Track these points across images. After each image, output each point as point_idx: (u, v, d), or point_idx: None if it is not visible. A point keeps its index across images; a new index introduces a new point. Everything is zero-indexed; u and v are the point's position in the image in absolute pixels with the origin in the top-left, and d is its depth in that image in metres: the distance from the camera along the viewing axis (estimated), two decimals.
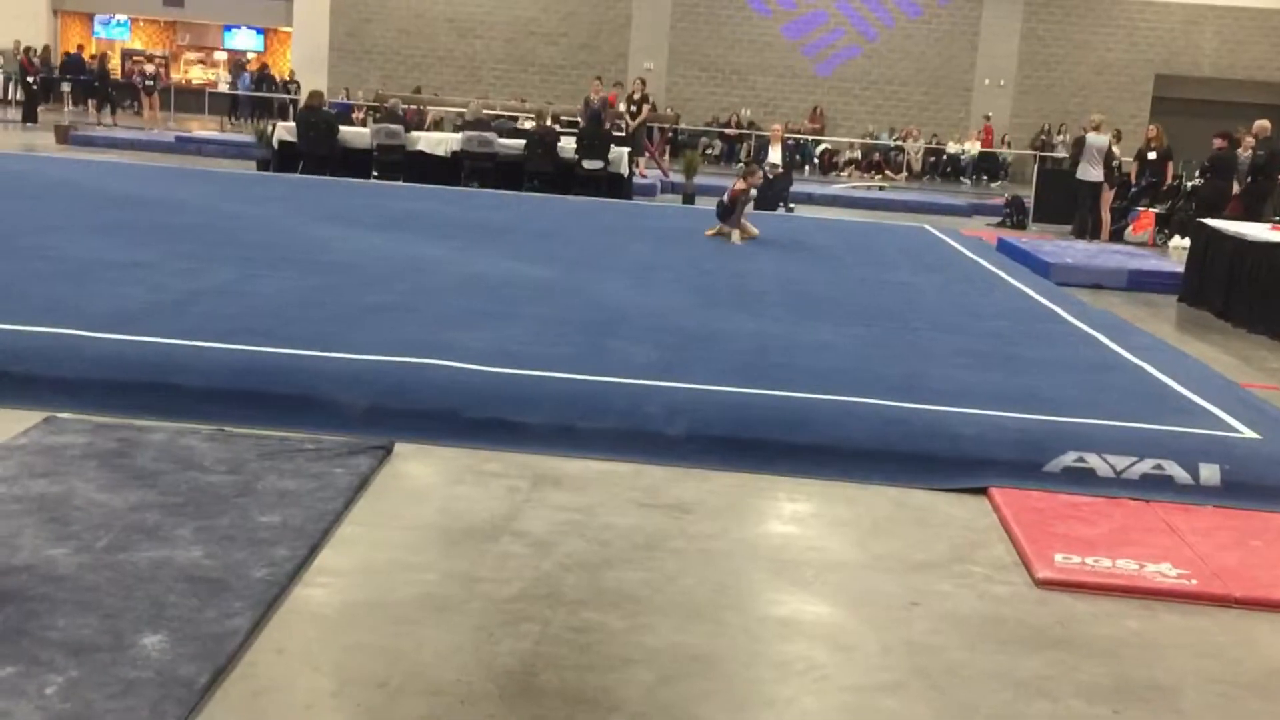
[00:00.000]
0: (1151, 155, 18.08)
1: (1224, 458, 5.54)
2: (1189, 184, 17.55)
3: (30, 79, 26.75)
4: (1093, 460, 5.45)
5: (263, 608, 3.60)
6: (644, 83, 21.93)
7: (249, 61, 34.06)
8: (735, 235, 12.74)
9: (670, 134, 26.83)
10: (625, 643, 3.66)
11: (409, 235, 11.20)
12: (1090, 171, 16.85)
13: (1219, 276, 11.15)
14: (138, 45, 34.72)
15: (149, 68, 28.64)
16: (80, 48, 31.35)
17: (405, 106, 20.58)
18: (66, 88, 28.91)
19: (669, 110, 29.16)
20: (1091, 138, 16.85)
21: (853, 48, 30.44)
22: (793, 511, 5.00)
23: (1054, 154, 27.92)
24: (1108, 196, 17.15)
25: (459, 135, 17.96)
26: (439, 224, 12.35)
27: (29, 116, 25.67)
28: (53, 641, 3.27)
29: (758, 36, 30.66)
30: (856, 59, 30.46)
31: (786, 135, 21.38)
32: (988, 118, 29.94)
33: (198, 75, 34.49)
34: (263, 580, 3.77)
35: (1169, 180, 17.91)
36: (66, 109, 28.54)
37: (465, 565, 4.15)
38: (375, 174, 17.47)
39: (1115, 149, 17.51)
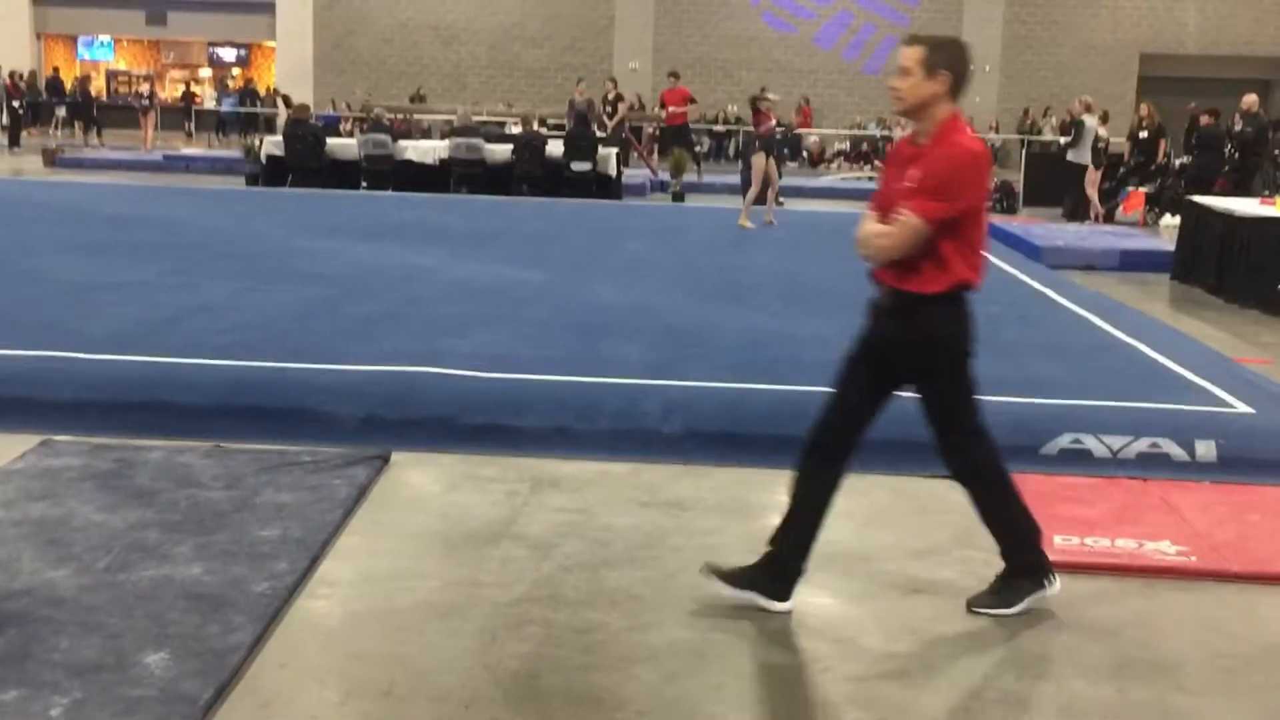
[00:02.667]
0: (1144, 134, 18.10)
1: (1220, 433, 5.55)
2: (1178, 162, 17.56)
3: (15, 103, 26.73)
4: (1089, 441, 5.46)
5: (264, 622, 3.60)
6: (615, 82, 21.93)
7: (235, 78, 34.04)
8: (745, 216, 13.57)
9: (657, 133, 26.80)
10: (628, 642, 3.67)
11: (399, 244, 11.21)
12: (1081, 154, 16.88)
13: (1210, 253, 11.17)
14: (122, 65, 34.70)
15: (145, 87, 28.57)
16: (55, 69, 31.24)
17: (391, 116, 20.57)
18: (61, 112, 28.90)
19: (656, 109, 29.15)
20: (1089, 121, 16.89)
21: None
22: None
23: (1040, 138, 27.92)
24: (1094, 177, 17.17)
25: (447, 142, 17.96)
26: (429, 232, 12.36)
27: (14, 141, 25.65)
28: (56, 663, 3.27)
29: (741, 32, 30.66)
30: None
31: (777, 129, 21.36)
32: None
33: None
34: (264, 594, 3.78)
35: (1159, 159, 17.93)
36: (51, 131, 28.52)
37: (466, 570, 4.15)
38: (364, 184, 17.47)
39: (1102, 130, 17.54)
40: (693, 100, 22.74)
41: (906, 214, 3.65)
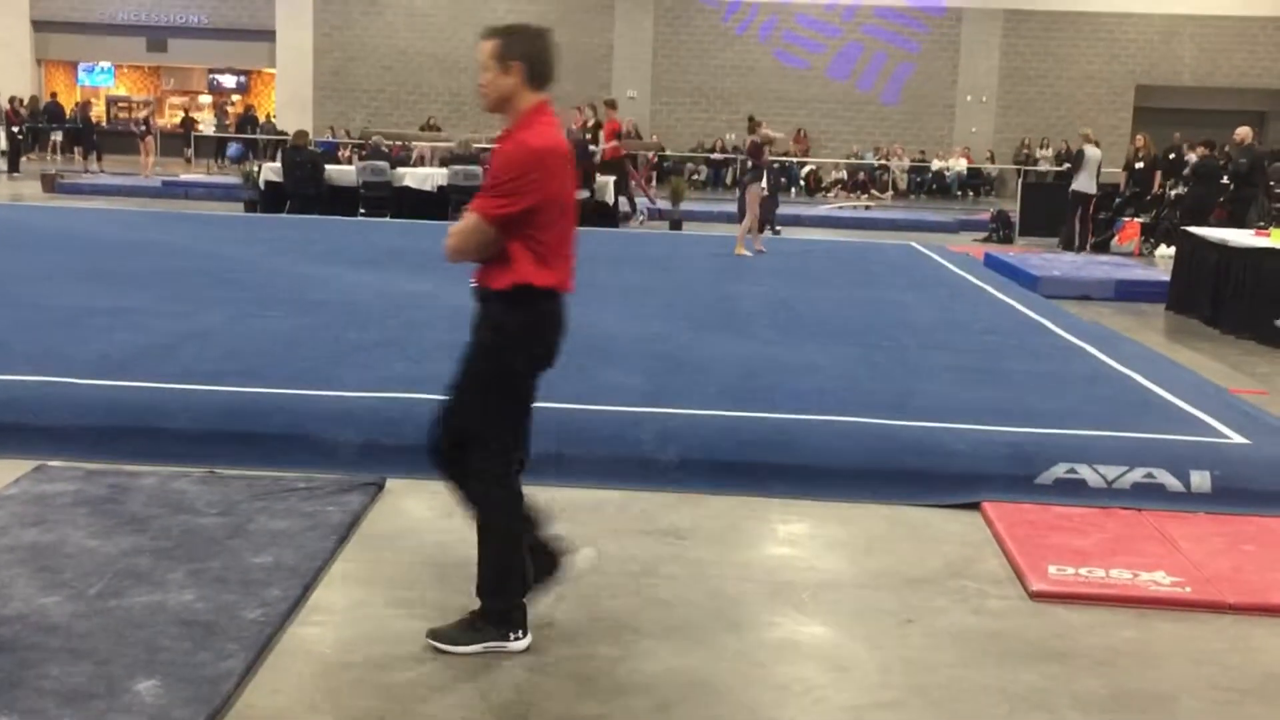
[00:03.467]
0: (1139, 165, 18.17)
1: (1215, 464, 5.55)
2: (1173, 193, 17.65)
3: (15, 129, 26.79)
4: (1084, 471, 5.46)
5: (257, 649, 3.59)
6: (595, 109, 21.15)
7: (234, 105, 34.13)
8: (741, 244, 13.77)
9: (655, 161, 26.92)
10: (622, 671, 3.66)
11: (396, 271, 11.22)
12: (1084, 183, 16.98)
13: (1205, 284, 11.20)
14: (122, 91, 34.81)
15: (144, 113, 28.60)
16: (54, 95, 31.32)
17: (389, 144, 20.61)
18: (58, 136, 28.94)
19: (653, 137, 29.30)
20: (1090, 151, 16.98)
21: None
22: (787, 533, 5.00)
23: (1037, 168, 28.02)
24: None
25: (445, 170, 18.01)
26: (426, 259, 12.33)
27: (13, 166, 25.70)
28: (47, 691, 3.26)
29: (740, 61, 30.80)
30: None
31: (772, 158, 21.33)
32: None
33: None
34: (256, 621, 3.76)
35: (1155, 189, 18.01)
36: (50, 157, 28.56)
37: (460, 599, 4.12)
38: (362, 211, 17.50)
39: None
40: (621, 135, 20.52)
41: (469, 211, 3.59)
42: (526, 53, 3.61)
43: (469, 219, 3.58)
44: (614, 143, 19.28)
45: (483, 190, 3.61)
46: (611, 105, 20.59)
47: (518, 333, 3.69)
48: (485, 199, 3.57)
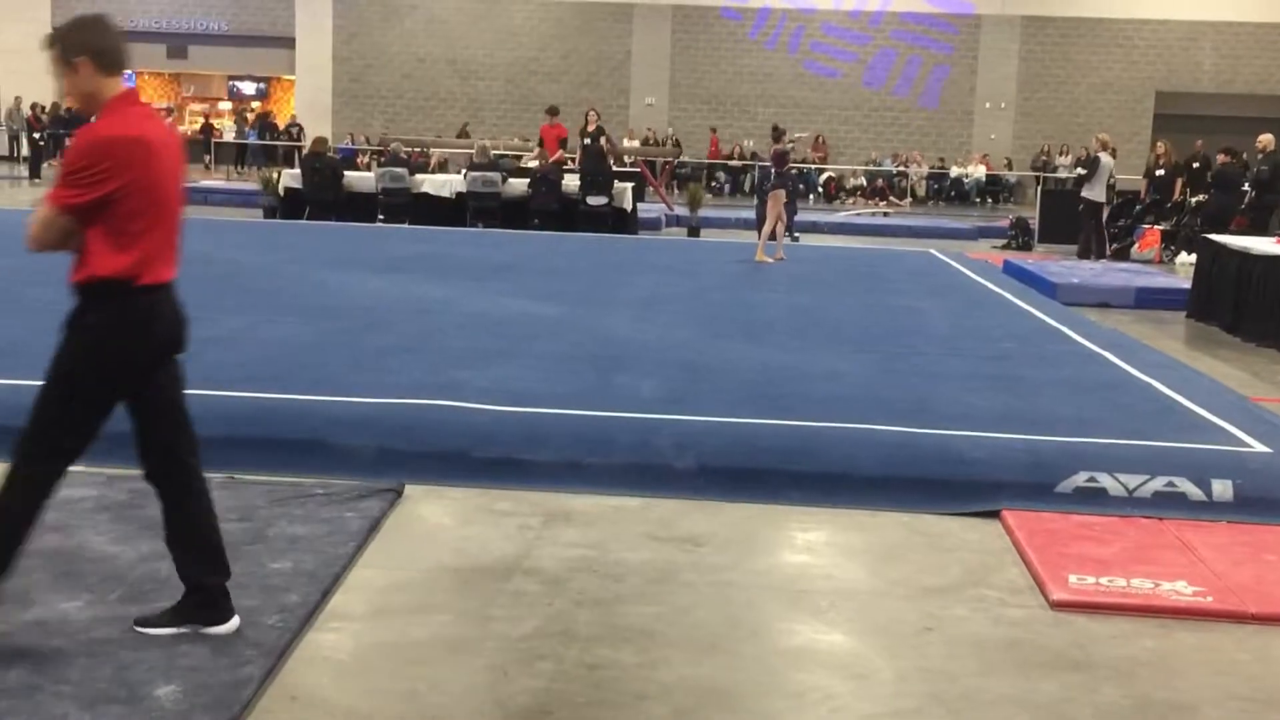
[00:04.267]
0: (1160, 172, 18.11)
1: (1236, 473, 5.52)
2: (1193, 200, 17.56)
3: (36, 135, 26.97)
4: (1104, 480, 5.43)
5: (275, 655, 3.59)
6: (598, 114, 20.48)
7: (253, 111, 34.29)
8: (761, 251, 13.84)
9: (673, 167, 26.84)
10: (639, 678, 3.65)
11: (415, 277, 11.25)
12: (1097, 191, 16.92)
13: (1226, 291, 11.14)
14: (143, 98, 34.98)
15: (166, 120, 28.87)
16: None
17: (408, 150, 20.64)
18: (68, 142, 29.15)
19: (670, 143, 29.32)
20: (1105, 159, 16.92)
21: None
22: (805, 541, 4.99)
23: (1056, 175, 27.93)
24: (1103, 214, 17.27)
25: (463, 176, 18.03)
26: (445, 265, 12.40)
27: (35, 172, 25.86)
28: (66, 695, 3.27)
29: (758, 68, 30.80)
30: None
31: (792, 165, 21.24)
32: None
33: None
34: (275, 627, 3.77)
35: (1176, 197, 17.94)
36: None
37: (478, 605, 4.14)
38: (381, 217, 17.55)
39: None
40: (565, 143, 19.17)
41: (43, 202, 3.48)
42: (87, 44, 3.50)
43: (43, 209, 3.48)
44: (559, 152, 18.78)
45: (57, 179, 3.51)
46: (552, 112, 19.82)
47: (105, 334, 3.58)
48: (58, 189, 3.46)
